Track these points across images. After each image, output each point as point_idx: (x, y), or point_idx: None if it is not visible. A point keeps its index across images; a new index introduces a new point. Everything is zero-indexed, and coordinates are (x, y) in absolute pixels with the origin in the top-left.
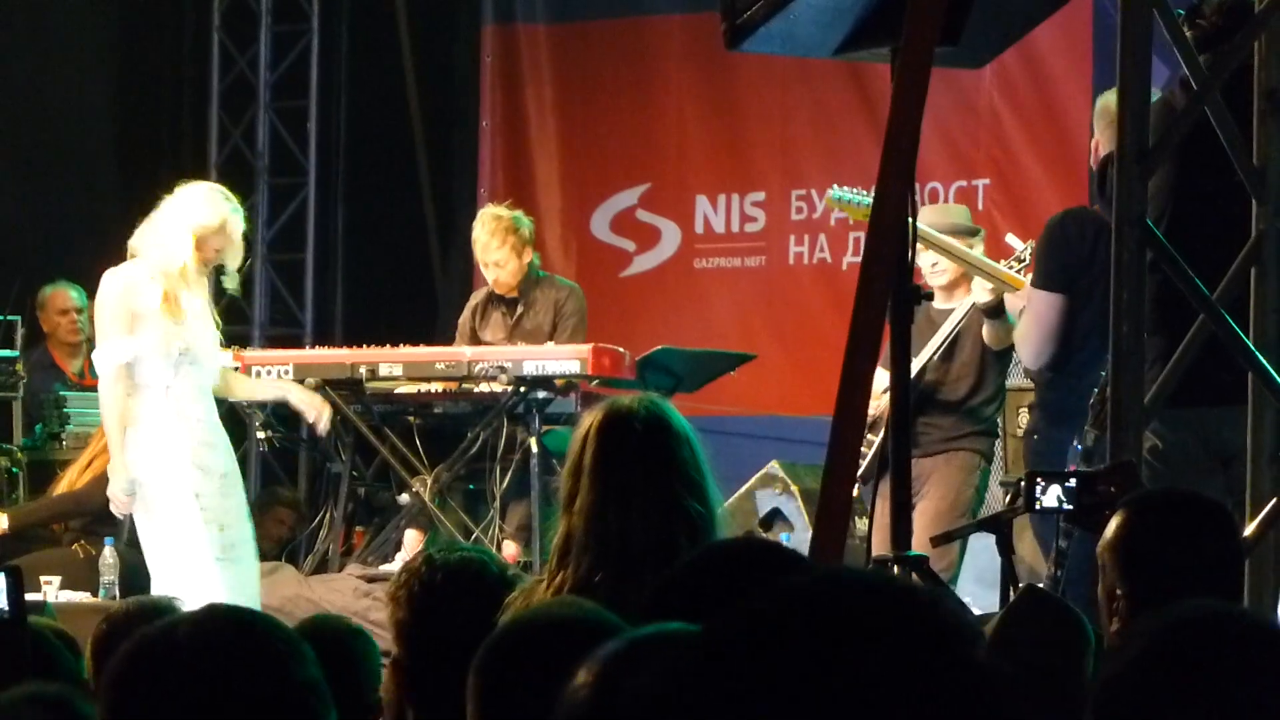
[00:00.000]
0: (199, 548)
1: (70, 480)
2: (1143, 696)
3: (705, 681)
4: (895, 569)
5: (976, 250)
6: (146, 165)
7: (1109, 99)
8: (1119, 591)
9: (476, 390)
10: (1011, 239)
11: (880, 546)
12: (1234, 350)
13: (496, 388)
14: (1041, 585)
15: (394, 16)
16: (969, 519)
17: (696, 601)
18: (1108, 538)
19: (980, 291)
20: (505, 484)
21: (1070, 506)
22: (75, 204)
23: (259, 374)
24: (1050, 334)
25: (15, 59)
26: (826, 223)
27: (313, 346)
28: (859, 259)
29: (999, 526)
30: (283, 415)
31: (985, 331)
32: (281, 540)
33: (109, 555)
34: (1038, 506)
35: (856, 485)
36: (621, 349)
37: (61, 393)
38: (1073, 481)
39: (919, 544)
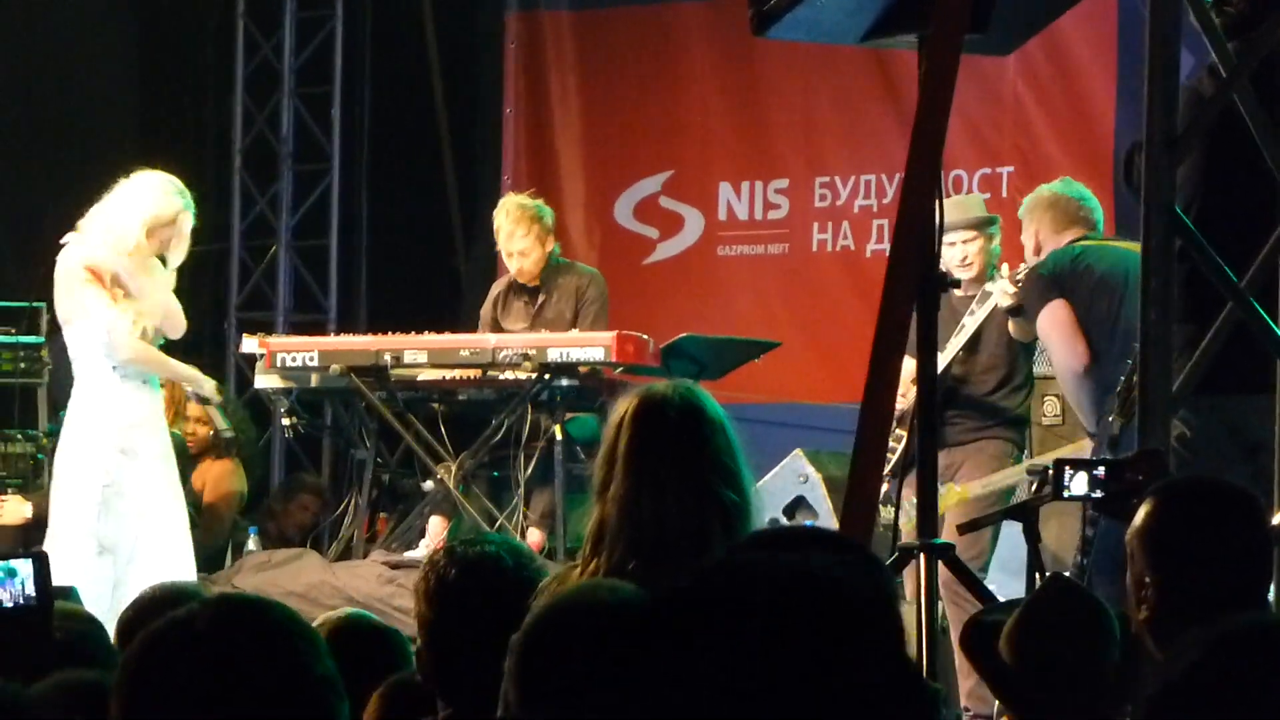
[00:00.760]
0: (81, 539)
1: None
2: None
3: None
4: (922, 557)
5: (996, 240)
6: (171, 152)
7: (1040, 194)
8: (1147, 579)
9: (501, 377)
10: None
11: (910, 535)
12: (1262, 338)
13: (520, 375)
14: (1067, 574)
15: (418, 3)
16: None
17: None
18: (1136, 526)
19: (1001, 295)
20: (529, 471)
21: (1098, 494)
22: (100, 191)
23: (283, 361)
24: (1071, 332)
25: (40, 47)
26: (850, 210)
27: (337, 333)
28: (883, 246)
29: (1025, 514)
30: (306, 402)
31: (1010, 327)
32: (306, 527)
33: None
34: (1066, 494)
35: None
36: (645, 336)
37: None
38: (1100, 469)
39: (950, 533)
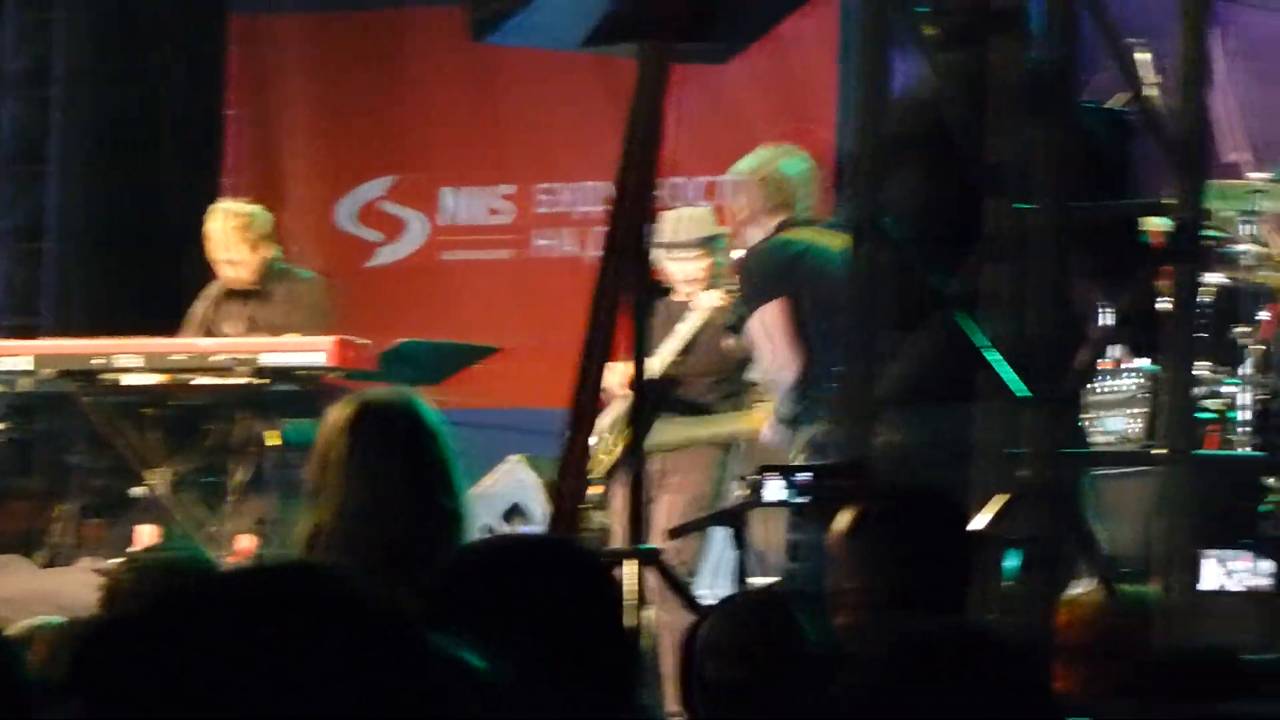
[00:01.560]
0: None
1: None
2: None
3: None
4: (630, 563)
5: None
6: None
7: (764, 167)
8: (848, 585)
9: (215, 382)
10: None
11: (621, 540)
12: (965, 348)
13: (236, 379)
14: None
15: (142, 4)
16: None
17: (469, 602)
18: (839, 532)
19: (709, 307)
20: (244, 477)
21: (802, 500)
22: None
23: None
24: (782, 337)
25: None
26: (574, 216)
27: (52, 337)
28: None
29: (733, 519)
30: (19, 406)
31: (729, 342)
32: (17, 534)
33: None
34: (768, 500)
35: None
36: (365, 341)
37: None
38: (805, 475)
39: (661, 538)
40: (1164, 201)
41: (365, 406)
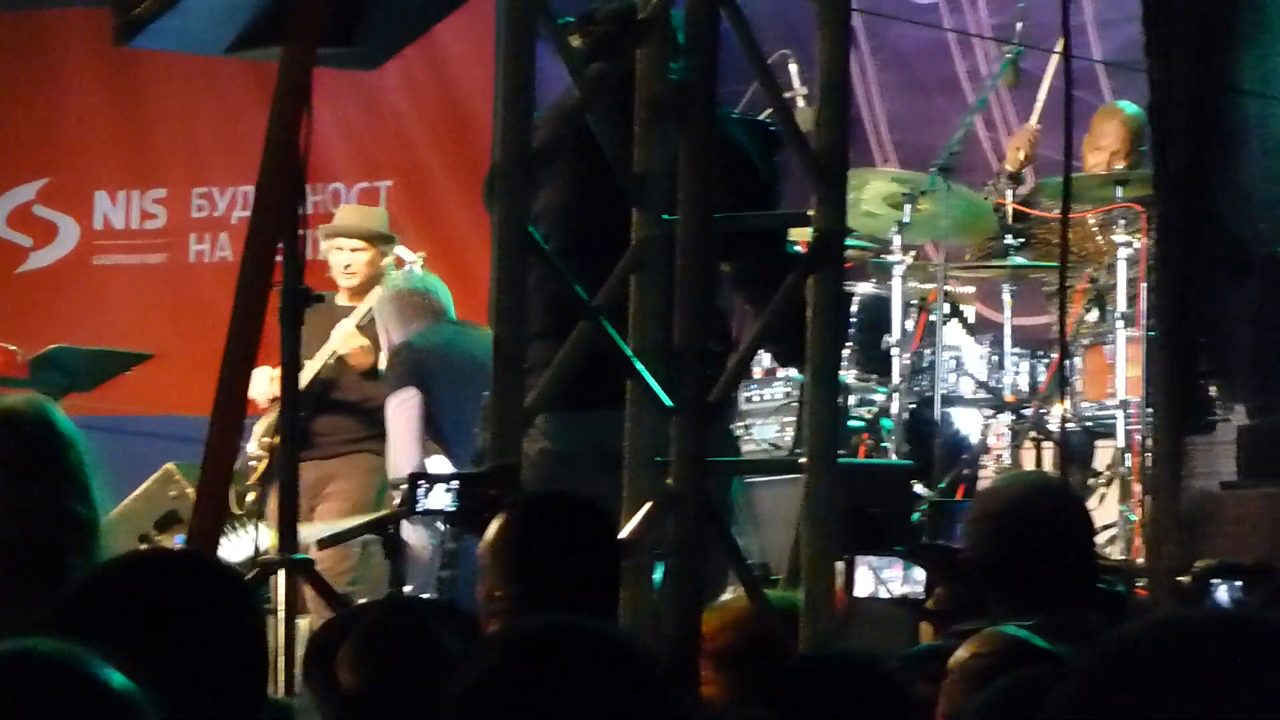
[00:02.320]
0: None
1: None
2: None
3: None
4: (282, 571)
5: (390, 258)
6: None
7: (385, 291)
8: (498, 593)
9: None
10: (402, 250)
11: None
12: (614, 356)
13: None
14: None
15: None
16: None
17: (103, 615)
18: (487, 540)
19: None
20: None
21: (454, 509)
22: None
23: None
24: (410, 433)
25: None
26: (228, 221)
27: None
28: None
29: (384, 528)
30: None
31: (367, 387)
32: None
33: None
34: (420, 508)
35: (257, 489)
36: (13, 346)
37: None
38: (456, 483)
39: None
40: (808, 212)
41: None
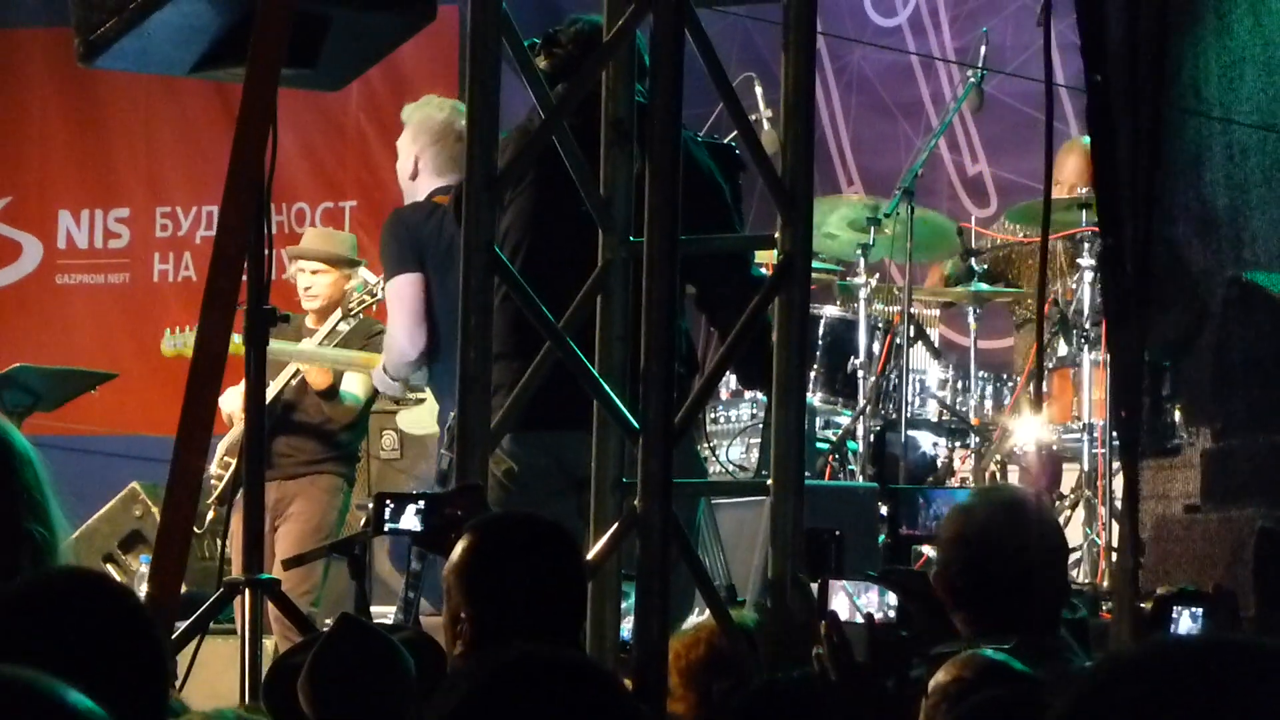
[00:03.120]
0: None
1: None
2: None
3: None
4: (246, 592)
5: (356, 280)
6: None
7: (433, 117)
8: (463, 614)
9: None
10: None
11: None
12: (579, 377)
13: None
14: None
15: None
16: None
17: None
18: (452, 561)
19: (316, 375)
20: None
21: (419, 529)
22: None
23: None
24: (417, 314)
25: None
26: (192, 240)
27: None
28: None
29: (350, 549)
30: None
31: (325, 406)
32: None
33: None
34: (387, 529)
35: (217, 507)
36: None
37: None
38: (421, 504)
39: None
40: (774, 235)
41: None
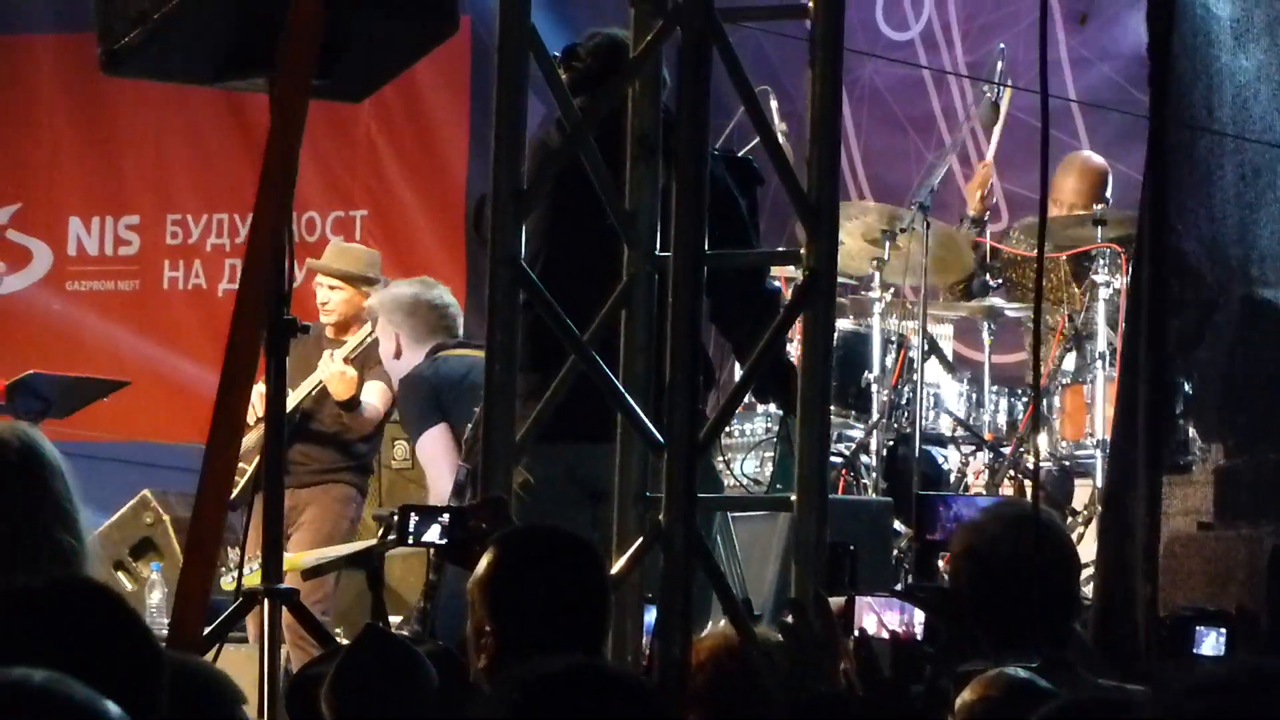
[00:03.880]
0: None
1: None
2: None
3: None
4: (265, 601)
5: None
6: None
7: (400, 297)
8: (487, 627)
9: None
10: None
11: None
12: (603, 390)
13: None
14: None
15: None
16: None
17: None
18: (477, 575)
19: (326, 369)
20: None
21: (443, 541)
22: None
23: None
24: (452, 465)
25: None
26: (203, 248)
27: None
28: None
29: (370, 560)
30: None
31: (346, 419)
32: None
33: None
34: (411, 541)
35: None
36: None
37: None
38: (446, 516)
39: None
40: (798, 250)
41: None
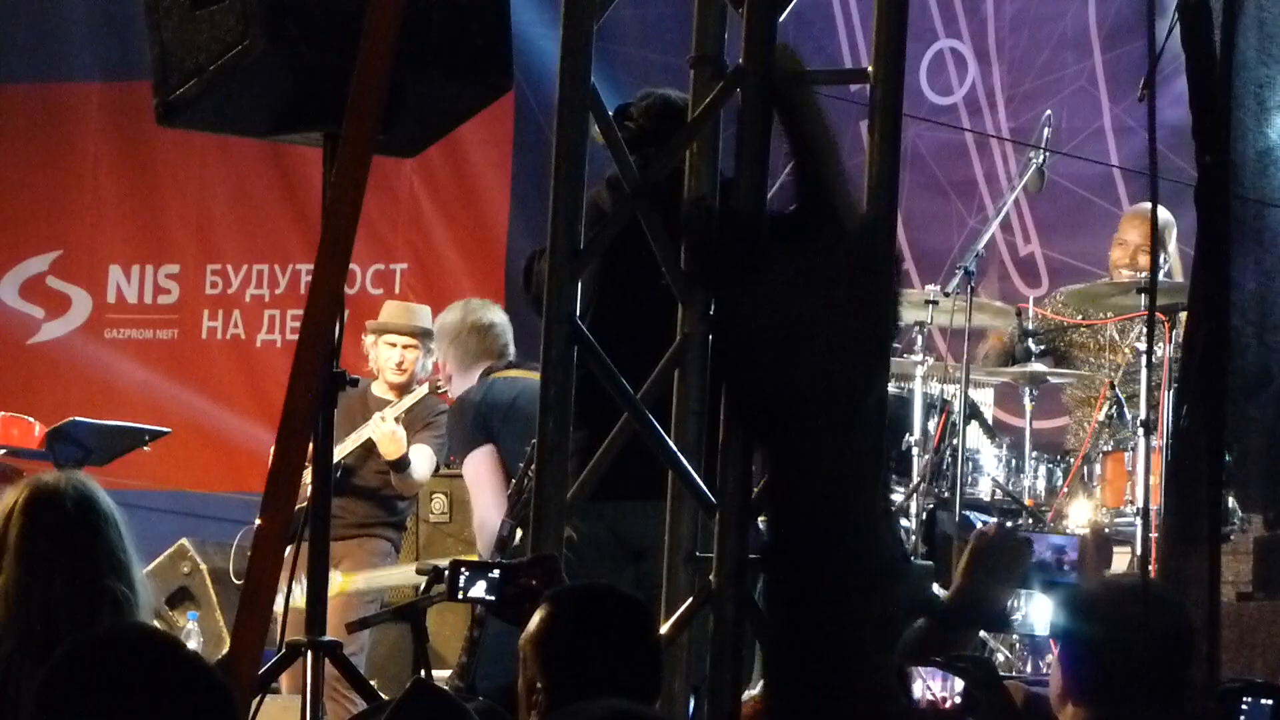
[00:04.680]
0: None
1: None
2: None
3: None
4: (310, 654)
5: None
6: None
7: (445, 325)
8: (539, 685)
9: None
10: None
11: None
12: (656, 450)
13: None
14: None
15: None
16: (378, 604)
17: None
18: (530, 631)
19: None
20: None
21: (492, 598)
22: None
23: None
24: (497, 488)
25: None
26: (242, 298)
27: None
28: (274, 336)
29: (414, 614)
30: None
31: (393, 479)
32: None
33: None
34: (460, 597)
35: None
36: (31, 419)
37: None
38: (495, 572)
39: (332, 627)
40: None
41: (37, 491)
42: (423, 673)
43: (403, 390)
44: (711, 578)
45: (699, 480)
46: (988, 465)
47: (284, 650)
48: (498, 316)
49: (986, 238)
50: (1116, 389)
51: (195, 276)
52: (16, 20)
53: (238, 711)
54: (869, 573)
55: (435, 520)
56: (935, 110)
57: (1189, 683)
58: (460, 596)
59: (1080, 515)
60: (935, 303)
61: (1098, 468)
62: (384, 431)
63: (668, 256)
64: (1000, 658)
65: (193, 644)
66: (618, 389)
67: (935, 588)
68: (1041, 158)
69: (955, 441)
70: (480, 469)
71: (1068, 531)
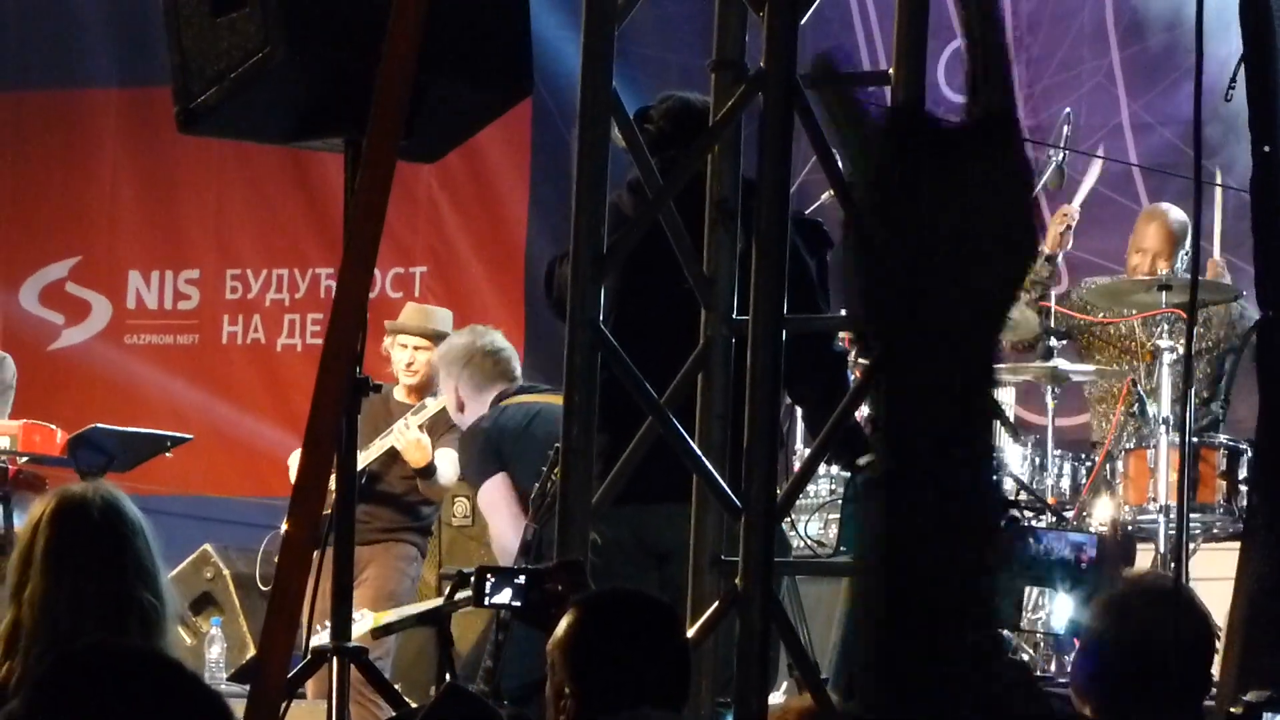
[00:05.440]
0: None
1: None
2: None
3: None
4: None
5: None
6: None
7: (453, 349)
8: (567, 690)
9: None
10: None
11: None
12: (680, 453)
13: None
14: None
15: None
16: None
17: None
18: (558, 636)
19: (399, 437)
20: None
21: (518, 603)
22: None
23: None
24: (513, 513)
25: None
26: (261, 303)
27: None
28: (294, 340)
29: (439, 620)
30: None
31: (420, 486)
32: None
33: None
34: (487, 602)
35: None
36: (53, 425)
37: None
38: (521, 579)
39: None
40: None
41: (65, 501)
42: (455, 677)
43: (417, 392)
44: (737, 581)
45: (723, 484)
46: (1011, 464)
47: (310, 656)
48: (504, 342)
49: None
50: (1139, 386)
51: (215, 281)
52: (35, 27)
53: None
54: (980, 513)
55: (458, 524)
56: (953, 108)
57: (1210, 685)
58: (485, 603)
59: (1103, 513)
60: None
61: (1120, 465)
62: (409, 440)
63: (689, 260)
64: (1024, 656)
65: (216, 649)
66: (642, 393)
67: None
68: (1061, 156)
69: None
70: (494, 496)
71: (1089, 530)
